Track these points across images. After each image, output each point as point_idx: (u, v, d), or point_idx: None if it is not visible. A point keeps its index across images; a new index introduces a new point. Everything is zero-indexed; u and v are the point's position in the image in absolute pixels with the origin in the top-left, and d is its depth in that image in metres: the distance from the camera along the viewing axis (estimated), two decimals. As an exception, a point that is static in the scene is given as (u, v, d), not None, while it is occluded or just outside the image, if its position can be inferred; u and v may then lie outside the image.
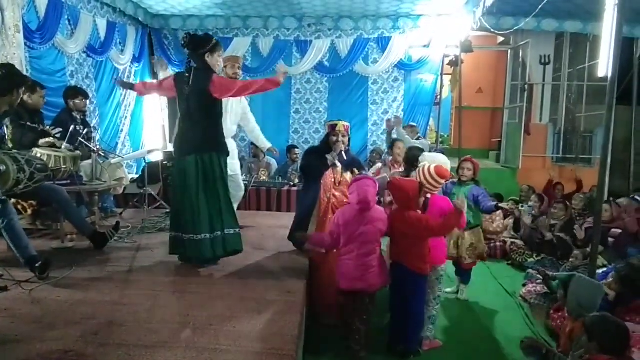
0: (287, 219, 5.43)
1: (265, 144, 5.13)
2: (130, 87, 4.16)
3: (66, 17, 5.90)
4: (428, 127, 9.02)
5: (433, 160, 3.57)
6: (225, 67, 4.50)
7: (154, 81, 3.79)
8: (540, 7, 5.72)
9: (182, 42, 3.48)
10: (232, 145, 4.66)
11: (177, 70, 8.23)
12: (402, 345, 3.35)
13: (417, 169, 3.49)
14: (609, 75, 3.13)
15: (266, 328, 2.57)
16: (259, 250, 4.13)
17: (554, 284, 4.03)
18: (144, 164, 5.98)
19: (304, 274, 3.49)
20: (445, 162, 3.61)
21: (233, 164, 4.63)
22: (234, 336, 2.45)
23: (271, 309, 2.82)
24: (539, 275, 4.77)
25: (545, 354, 2.93)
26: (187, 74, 3.46)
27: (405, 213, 3.21)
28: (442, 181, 3.40)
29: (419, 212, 3.29)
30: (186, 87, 3.44)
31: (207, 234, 3.45)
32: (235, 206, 4.66)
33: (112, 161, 5.07)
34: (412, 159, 3.96)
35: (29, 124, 3.82)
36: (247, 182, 6.69)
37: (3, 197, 3.15)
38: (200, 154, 3.46)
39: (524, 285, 4.76)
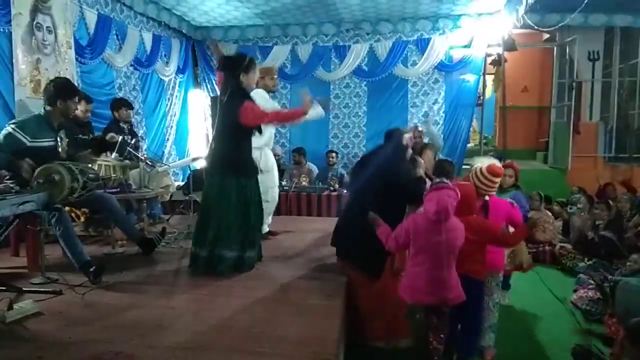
0: (327, 224, 5.45)
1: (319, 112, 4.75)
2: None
3: (114, 32, 6.17)
4: (471, 128, 8.84)
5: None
6: (262, 78, 4.38)
7: None
8: (586, 1, 5.50)
9: (217, 67, 3.55)
10: (268, 157, 4.59)
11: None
12: (460, 355, 3.21)
13: (470, 172, 3.38)
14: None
15: (307, 332, 2.58)
16: (300, 254, 4.16)
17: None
18: (189, 171, 6.16)
19: (343, 278, 3.48)
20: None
21: (268, 177, 4.49)
22: (275, 339, 2.48)
23: (312, 313, 2.84)
24: (590, 281, 4.59)
25: None
26: (222, 96, 3.52)
27: (467, 218, 3.03)
28: (497, 179, 3.27)
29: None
30: (219, 110, 3.50)
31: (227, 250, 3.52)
32: (269, 216, 4.66)
33: (159, 169, 5.25)
34: (445, 173, 3.83)
35: (80, 136, 4.02)
36: (288, 188, 6.79)
37: (59, 206, 3.32)
38: (223, 176, 3.52)
39: (575, 290, 4.57)
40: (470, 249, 3.03)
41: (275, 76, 4.63)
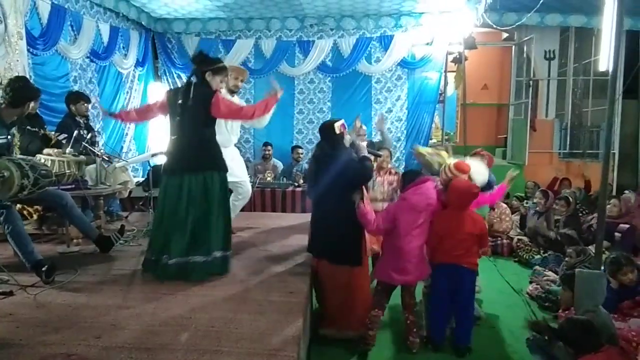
0: (291, 220, 5.46)
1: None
2: (112, 115, 4.35)
3: (69, 22, 5.93)
4: (433, 125, 8.98)
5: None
6: (236, 78, 4.46)
7: (146, 104, 3.67)
8: (542, 1, 5.67)
9: (192, 58, 3.50)
10: (234, 152, 4.63)
11: (179, 73, 8.33)
12: (459, 344, 3.41)
13: (440, 170, 3.56)
14: (610, 69, 3.09)
15: (268, 329, 2.57)
16: (263, 251, 4.14)
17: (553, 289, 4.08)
18: (149, 167, 6.01)
19: (307, 275, 3.49)
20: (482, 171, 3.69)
21: (237, 170, 4.55)
22: (235, 338, 2.46)
23: (274, 310, 2.82)
24: (545, 272, 4.76)
25: (547, 340, 2.92)
26: (186, 88, 3.41)
27: (469, 213, 3.36)
28: (464, 176, 3.45)
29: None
30: (183, 102, 3.35)
31: (202, 256, 3.36)
32: (237, 210, 4.63)
33: (117, 165, 5.10)
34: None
35: (29, 127, 3.87)
36: (252, 183, 6.71)
37: (7, 203, 3.18)
38: (195, 174, 3.37)
39: (531, 282, 4.73)
40: (469, 241, 3.32)
41: (240, 78, 4.58)
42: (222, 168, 3.52)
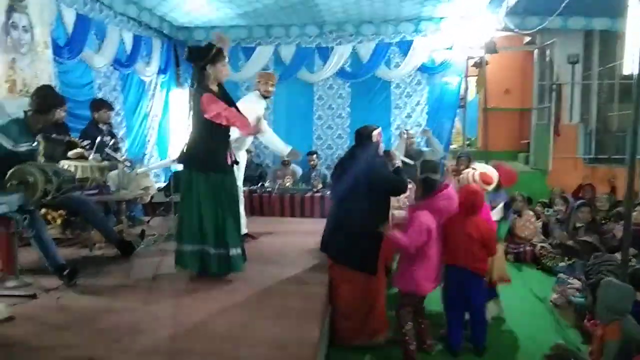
0: (310, 225, 5.45)
1: (283, 149, 4.87)
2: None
3: (93, 32, 6.06)
4: (454, 130, 8.90)
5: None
6: (258, 82, 4.60)
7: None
8: (564, 4, 5.57)
9: (184, 57, 3.50)
10: (242, 157, 4.66)
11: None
12: (476, 345, 3.45)
13: (464, 175, 3.56)
14: (635, 72, 3.01)
15: (285, 335, 2.56)
16: (281, 256, 4.14)
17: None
18: (170, 173, 6.09)
19: (325, 280, 3.47)
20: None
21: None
22: (252, 343, 2.46)
23: (291, 316, 2.82)
24: (569, 280, 4.64)
25: None
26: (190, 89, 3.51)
27: (476, 219, 3.32)
28: (487, 187, 3.49)
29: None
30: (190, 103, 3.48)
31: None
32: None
33: (139, 171, 5.18)
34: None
35: (54, 135, 3.97)
36: (271, 189, 6.76)
37: (31, 208, 3.25)
38: (190, 170, 3.47)
39: (555, 290, 4.62)
40: (471, 245, 3.30)
41: (271, 82, 4.62)
42: (211, 169, 3.47)
